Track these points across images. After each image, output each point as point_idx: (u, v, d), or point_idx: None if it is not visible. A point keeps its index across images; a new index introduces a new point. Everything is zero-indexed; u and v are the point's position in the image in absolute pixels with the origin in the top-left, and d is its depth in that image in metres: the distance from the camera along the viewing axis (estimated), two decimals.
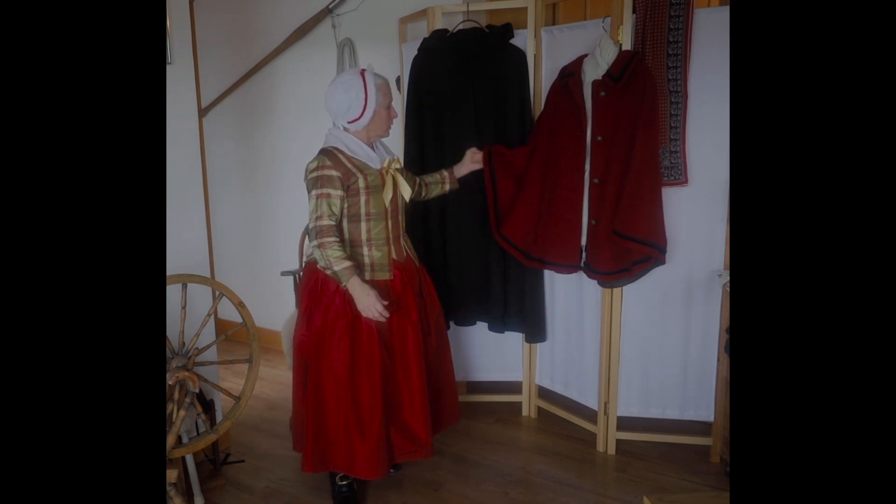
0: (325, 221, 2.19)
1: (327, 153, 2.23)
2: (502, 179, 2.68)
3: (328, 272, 2.21)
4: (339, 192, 2.20)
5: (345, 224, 2.27)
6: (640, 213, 2.38)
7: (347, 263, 2.18)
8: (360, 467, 2.30)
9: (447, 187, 2.64)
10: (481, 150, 2.67)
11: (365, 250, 2.29)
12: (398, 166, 2.32)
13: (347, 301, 2.24)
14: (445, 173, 2.64)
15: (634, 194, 2.38)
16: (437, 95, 2.83)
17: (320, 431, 2.31)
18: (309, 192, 2.22)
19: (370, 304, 2.18)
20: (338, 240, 2.19)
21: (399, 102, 3.11)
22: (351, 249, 2.28)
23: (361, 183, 2.22)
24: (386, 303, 2.22)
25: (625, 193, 2.40)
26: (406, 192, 2.33)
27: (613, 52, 2.45)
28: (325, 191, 2.18)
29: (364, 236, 2.28)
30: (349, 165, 2.21)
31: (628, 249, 2.43)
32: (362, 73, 2.22)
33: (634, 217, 2.38)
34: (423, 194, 2.60)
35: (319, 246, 2.19)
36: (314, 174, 2.20)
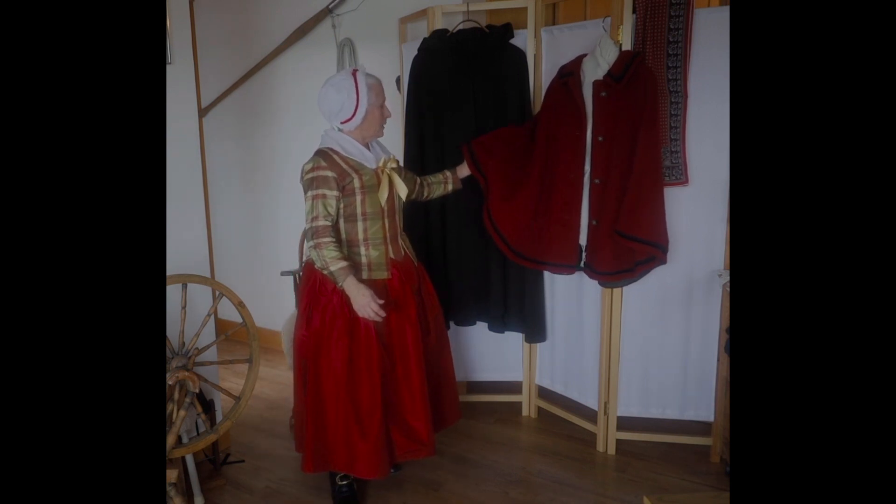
0: (321, 222, 2.19)
1: (322, 154, 2.24)
2: (487, 163, 2.65)
3: (325, 272, 2.21)
4: (335, 193, 2.20)
5: (341, 224, 2.28)
6: (644, 214, 2.38)
7: (343, 264, 2.18)
8: (360, 467, 2.30)
9: (450, 187, 2.65)
10: None
11: (362, 250, 2.29)
12: (394, 165, 2.31)
13: (345, 301, 2.24)
14: (448, 174, 2.65)
15: (637, 194, 2.38)
16: (437, 95, 2.83)
17: (320, 431, 2.31)
18: (305, 193, 2.23)
19: (365, 304, 2.18)
20: (334, 240, 2.20)
21: (399, 102, 3.11)
22: (348, 249, 2.29)
23: (357, 183, 2.22)
24: (382, 302, 2.21)
25: (628, 194, 2.40)
26: (402, 191, 2.33)
27: (614, 52, 2.45)
28: (320, 191, 2.19)
29: (361, 236, 2.28)
30: (344, 166, 2.22)
31: (631, 249, 2.43)
32: (354, 73, 2.24)
33: (638, 217, 2.38)
34: (426, 194, 2.61)
35: (315, 247, 2.19)
36: (310, 175, 2.21)
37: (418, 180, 2.57)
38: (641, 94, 2.39)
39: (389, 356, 2.32)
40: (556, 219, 2.61)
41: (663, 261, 2.43)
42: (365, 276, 2.28)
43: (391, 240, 2.34)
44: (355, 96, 2.20)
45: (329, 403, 2.29)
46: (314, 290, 2.31)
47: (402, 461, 2.48)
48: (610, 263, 2.50)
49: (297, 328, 2.39)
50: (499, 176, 2.65)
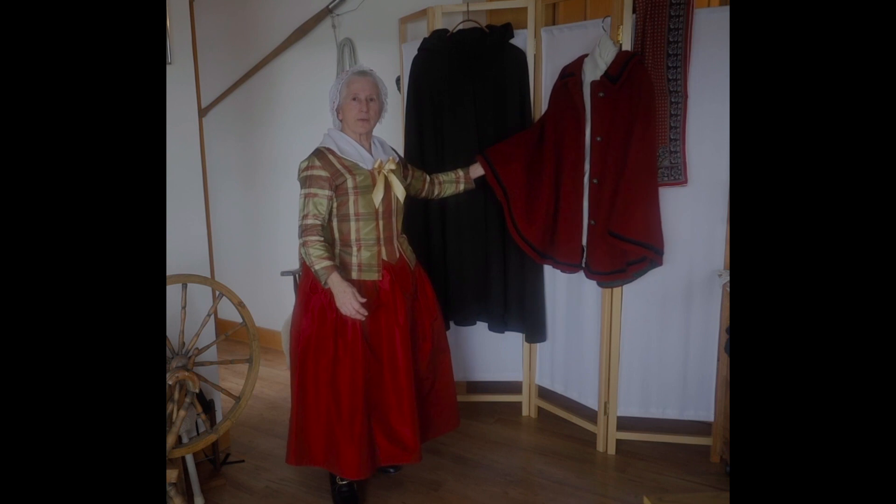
0: (310, 221, 2.21)
1: (318, 153, 2.25)
2: (507, 175, 2.65)
3: (312, 271, 2.22)
4: (327, 192, 2.21)
5: (335, 223, 2.28)
6: (635, 214, 2.38)
7: (327, 263, 2.18)
8: (341, 466, 2.31)
9: (461, 187, 2.65)
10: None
11: (353, 250, 2.29)
12: (392, 167, 2.30)
13: (333, 300, 2.24)
14: (461, 173, 2.65)
15: (629, 195, 2.38)
16: (437, 95, 2.83)
17: (302, 426, 2.34)
18: (300, 190, 2.24)
19: (346, 302, 2.17)
20: (321, 239, 2.20)
21: (399, 102, 3.11)
22: (340, 248, 2.30)
23: (350, 183, 2.22)
24: (364, 301, 2.19)
25: (620, 194, 2.40)
26: (400, 193, 2.32)
27: (612, 53, 2.45)
28: (312, 190, 2.21)
29: (353, 236, 2.28)
30: (338, 166, 2.22)
31: (623, 250, 2.43)
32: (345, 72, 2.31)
33: (629, 218, 2.38)
34: (437, 192, 2.62)
35: (303, 244, 2.21)
36: (304, 174, 2.23)
37: (428, 178, 2.57)
38: (637, 95, 2.39)
39: (377, 359, 2.31)
40: (563, 218, 2.63)
41: (658, 262, 2.43)
42: (354, 276, 2.28)
43: (385, 241, 2.33)
44: (336, 92, 2.28)
45: (311, 400, 2.30)
46: (307, 289, 2.32)
47: (385, 465, 2.46)
48: (605, 263, 2.51)
49: (292, 327, 2.40)
50: (519, 185, 2.65)
